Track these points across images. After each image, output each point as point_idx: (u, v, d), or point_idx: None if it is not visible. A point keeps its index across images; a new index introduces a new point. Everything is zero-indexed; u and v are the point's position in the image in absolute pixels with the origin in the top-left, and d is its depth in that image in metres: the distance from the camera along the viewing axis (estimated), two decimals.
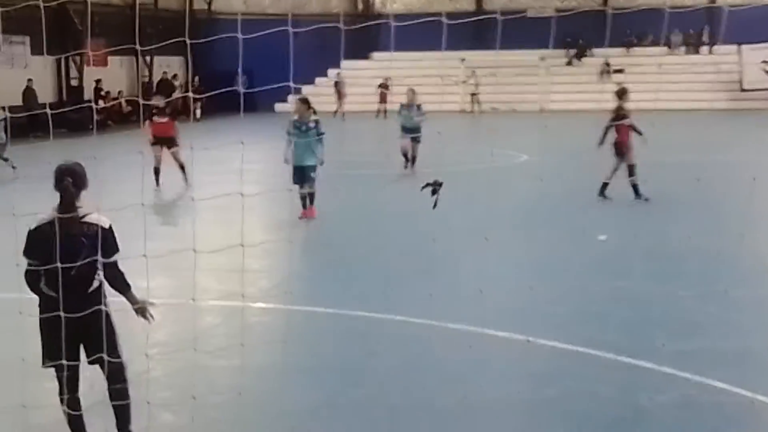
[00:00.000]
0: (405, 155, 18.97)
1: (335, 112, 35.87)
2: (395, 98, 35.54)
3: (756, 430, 6.22)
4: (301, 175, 13.38)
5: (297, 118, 13.74)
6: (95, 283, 5.54)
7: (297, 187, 13.43)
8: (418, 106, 18.99)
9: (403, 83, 36.65)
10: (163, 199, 16.29)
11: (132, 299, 5.71)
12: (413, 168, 18.57)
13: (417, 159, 18.83)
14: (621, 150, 14.36)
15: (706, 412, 6.34)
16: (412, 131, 18.22)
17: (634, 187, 14.51)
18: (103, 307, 5.50)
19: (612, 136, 14.59)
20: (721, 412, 6.34)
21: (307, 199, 13.63)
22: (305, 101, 14.11)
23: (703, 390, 6.57)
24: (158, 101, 18.12)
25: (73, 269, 5.33)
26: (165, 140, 17.47)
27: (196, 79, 38.50)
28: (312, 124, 13.56)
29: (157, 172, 17.56)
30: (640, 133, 14.42)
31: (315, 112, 14.06)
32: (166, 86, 36.50)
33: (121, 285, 5.62)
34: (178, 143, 17.41)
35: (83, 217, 5.41)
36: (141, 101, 25.33)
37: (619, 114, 14.74)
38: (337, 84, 38.06)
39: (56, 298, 5.37)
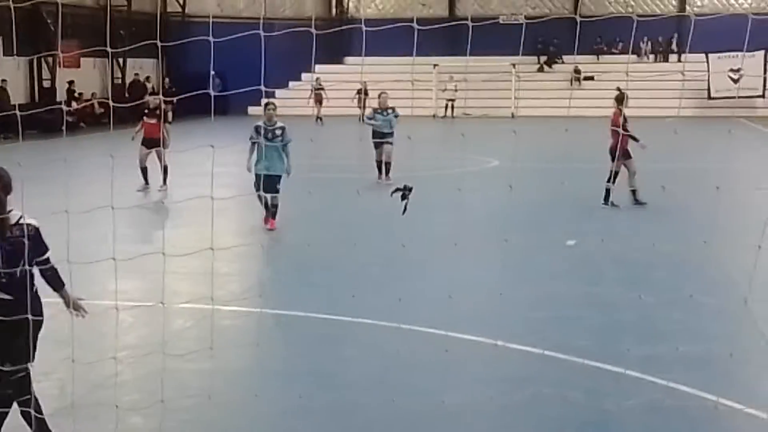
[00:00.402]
0: (380, 165, 18.41)
1: (317, 117, 35.63)
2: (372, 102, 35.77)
3: None
4: (268, 183, 12.62)
5: (264, 123, 13.18)
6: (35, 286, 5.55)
7: (260, 193, 12.80)
8: (393, 110, 18.55)
9: (376, 87, 37.00)
10: (134, 202, 16.23)
11: (66, 296, 5.72)
12: (388, 177, 17.97)
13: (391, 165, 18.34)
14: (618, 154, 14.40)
15: (672, 416, 6.43)
16: (385, 136, 17.92)
17: (608, 191, 14.73)
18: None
19: (611, 141, 14.58)
20: (686, 416, 6.44)
21: (269, 211, 13.08)
22: (273, 106, 13.60)
23: (669, 394, 6.66)
24: (153, 102, 17.89)
25: (16, 272, 5.34)
26: (152, 141, 17.37)
27: (167, 81, 38.33)
28: (279, 131, 13.06)
29: (144, 171, 17.45)
30: (636, 140, 14.48)
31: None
32: (137, 88, 36.32)
33: (58, 282, 5.64)
34: (165, 145, 17.25)
35: (18, 219, 5.40)
36: (111, 103, 25.01)
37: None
38: (315, 89, 37.87)
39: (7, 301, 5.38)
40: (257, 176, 12.77)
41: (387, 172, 18.24)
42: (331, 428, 6.25)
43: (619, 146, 13.71)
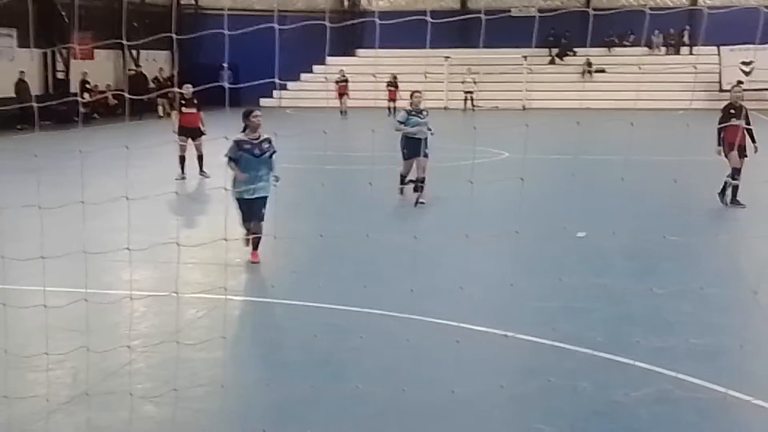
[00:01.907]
0: (403, 179, 15.30)
1: (341, 111, 35.65)
2: (377, 95, 35.65)
3: (729, 425, 6.34)
4: (256, 209, 10.63)
5: (248, 136, 10.70)
6: None
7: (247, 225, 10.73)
8: (426, 112, 15.45)
9: (385, 80, 36.93)
10: (147, 192, 16.31)
11: None
12: (421, 195, 14.83)
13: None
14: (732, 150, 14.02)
15: (681, 407, 6.46)
16: (419, 144, 14.64)
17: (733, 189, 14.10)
18: None
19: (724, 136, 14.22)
20: (695, 407, 6.47)
21: (251, 241, 10.56)
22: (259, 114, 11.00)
23: (678, 385, 6.69)
24: (186, 91, 18.02)
25: None
26: (191, 131, 17.66)
27: (175, 73, 38.46)
28: (266, 144, 10.68)
29: (182, 160, 17.74)
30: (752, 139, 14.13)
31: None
32: (138, 80, 36.34)
33: None
34: (203, 133, 17.60)
35: None
36: (127, 95, 25.19)
37: (730, 113, 14.49)
38: (338, 81, 37.03)
39: None
40: (241, 202, 10.57)
41: (421, 189, 14.92)
42: (343, 418, 6.30)
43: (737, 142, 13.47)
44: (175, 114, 18.08)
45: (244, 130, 10.72)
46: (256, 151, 10.58)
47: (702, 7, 40.36)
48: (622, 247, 11.37)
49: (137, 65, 38.55)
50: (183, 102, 17.90)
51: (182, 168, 17.73)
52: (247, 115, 10.75)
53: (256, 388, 6.89)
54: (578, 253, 11.43)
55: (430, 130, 15.07)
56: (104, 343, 6.94)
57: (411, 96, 15.67)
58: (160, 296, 8.22)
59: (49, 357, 6.27)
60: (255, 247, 10.63)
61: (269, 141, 10.73)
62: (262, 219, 10.69)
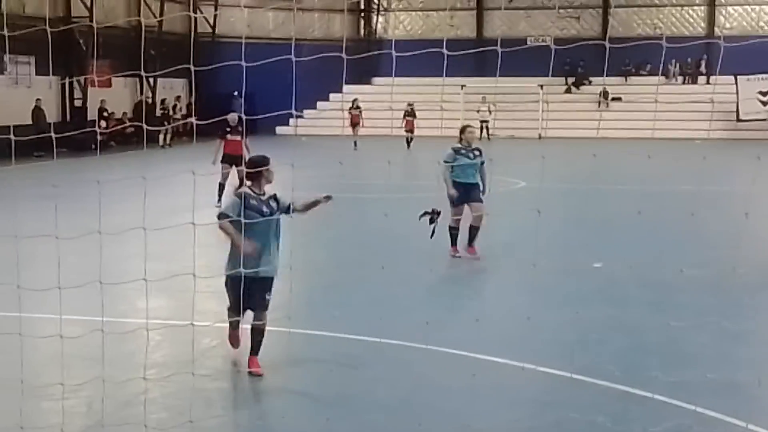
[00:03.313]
0: (452, 231, 12.66)
1: (354, 142, 34.36)
2: (369, 123, 35.10)
3: None
4: (257, 292, 7.63)
5: (253, 190, 7.77)
6: None
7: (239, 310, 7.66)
8: (480, 151, 12.86)
9: (402, 108, 36.85)
10: (164, 222, 16.37)
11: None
12: (472, 245, 12.76)
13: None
14: None
15: None
16: (471, 188, 12.47)
17: None
18: None
19: None
20: None
21: (254, 340, 7.77)
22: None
23: (698, 420, 6.61)
24: (231, 119, 18.00)
25: None
26: (235, 158, 17.28)
27: (191, 100, 38.86)
28: (273, 203, 7.82)
29: (221, 187, 17.54)
30: None
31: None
32: (148, 109, 36.52)
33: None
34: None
35: None
36: (145, 126, 25.54)
37: None
38: (351, 110, 36.13)
39: None
40: (235, 282, 7.29)
41: (472, 239, 12.76)
42: None
43: None
44: (219, 142, 18.01)
45: (249, 182, 7.82)
46: (265, 210, 7.68)
47: (718, 40, 40.30)
48: (639, 279, 11.30)
49: (153, 93, 38.83)
50: (228, 129, 17.97)
51: (220, 195, 17.52)
52: (257, 164, 7.80)
53: (271, 419, 6.86)
54: (595, 284, 11.38)
55: (480, 174, 12.66)
56: (118, 373, 6.94)
57: (462, 131, 12.90)
58: (175, 325, 8.21)
59: (63, 386, 6.27)
60: (255, 351, 7.67)
61: (276, 199, 7.84)
62: (265, 308, 7.70)
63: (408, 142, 34.45)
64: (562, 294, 10.79)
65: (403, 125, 35.18)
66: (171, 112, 39.08)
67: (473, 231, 12.59)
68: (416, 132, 34.75)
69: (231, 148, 17.67)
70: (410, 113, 35.57)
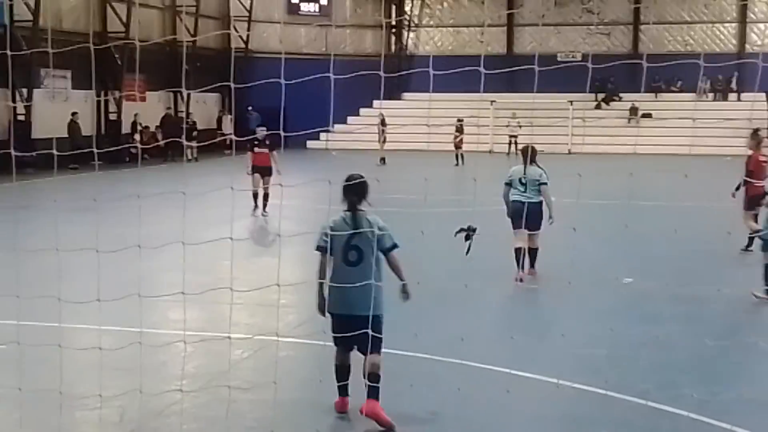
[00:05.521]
0: (518, 253, 12.13)
1: (381, 158, 33.01)
2: (391, 138, 34.57)
3: None
4: (357, 329, 6.84)
5: (345, 218, 6.95)
6: None
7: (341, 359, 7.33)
8: (543, 171, 12.20)
9: (437, 123, 36.75)
10: (201, 237, 16.52)
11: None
12: (532, 268, 12.46)
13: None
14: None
15: None
16: (531, 208, 11.62)
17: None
18: None
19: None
20: None
21: (372, 389, 6.91)
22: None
23: None
24: (259, 133, 19.28)
25: None
26: (262, 169, 18.90)
27: (230, 115, 39.25)
28: (370, 235, 7.00)
29: (255, 195, 19.12)
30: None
31: None
32: (171, 122, 36.75)
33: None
34: (274, 172, 18.75)
35: None
36: (185, 142, 26.02)
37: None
38: (379, 126, 34.81)
39: None
40: (334, 319, 7.00)
41: (533, 262, 12.50)
42: None
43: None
44: (249, 155, 19.19)
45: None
46: (362, 243, 6.91)
47: (750, 59, 40.04)
48: (671, 295, 11.26)
49: (167, 107, 38.93)
50: (256, 143, 19.16)
51: (255, 202, 19.12)
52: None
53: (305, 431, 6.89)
54: (626, 299, 11.34)
55: (537, 190, 12.12)
56: (151, 383, 7.01)
57: (523, 150, 12.50)
58: (208, 337, 8.30)
59: (98, 396, 6.35)
60: (374, 395, 6.80)
61: (373, 226, 6.91)
62: (378, 350, 6.90)
63: (459, 158, 33.39)
64: (593, 309, 10.77)
65: (454, 140, 33.87)
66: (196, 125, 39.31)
67: (533, 253, 12.42)
68: (451, 147, 34.18)
69: (258, 159, 19.00)
70: (460, 128, 34.22)
